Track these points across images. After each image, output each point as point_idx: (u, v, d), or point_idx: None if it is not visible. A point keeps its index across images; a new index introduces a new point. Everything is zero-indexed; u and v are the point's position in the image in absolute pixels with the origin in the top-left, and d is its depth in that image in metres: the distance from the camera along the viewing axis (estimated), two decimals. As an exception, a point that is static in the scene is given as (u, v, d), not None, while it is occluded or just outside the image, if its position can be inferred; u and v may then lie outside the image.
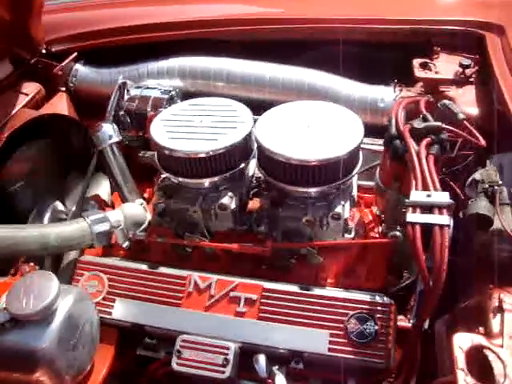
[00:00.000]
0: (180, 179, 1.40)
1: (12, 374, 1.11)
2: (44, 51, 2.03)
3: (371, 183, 1.55)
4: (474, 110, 1.56)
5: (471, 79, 1.67)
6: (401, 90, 1.77)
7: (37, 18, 1.88)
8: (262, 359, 1.20)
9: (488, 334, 1.00)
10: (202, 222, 1.42)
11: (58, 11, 2.22)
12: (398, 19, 1.91)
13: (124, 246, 1.48)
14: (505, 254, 1.16)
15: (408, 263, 1.38)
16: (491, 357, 0.94)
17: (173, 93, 1.82)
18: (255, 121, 1.43)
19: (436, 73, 1.69)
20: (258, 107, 1.54)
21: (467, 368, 0.91)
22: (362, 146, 1.39)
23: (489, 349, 0.95)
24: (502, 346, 0.96)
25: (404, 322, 1.33)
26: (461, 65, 1.67)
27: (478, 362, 0.95)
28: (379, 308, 1.24)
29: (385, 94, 1.78)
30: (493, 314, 1.03)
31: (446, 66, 1.72)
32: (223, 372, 1.20)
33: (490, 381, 0.91)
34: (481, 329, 1.03)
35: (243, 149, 1.41)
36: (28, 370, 1.10)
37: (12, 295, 1.10)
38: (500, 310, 1.03)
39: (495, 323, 1.01)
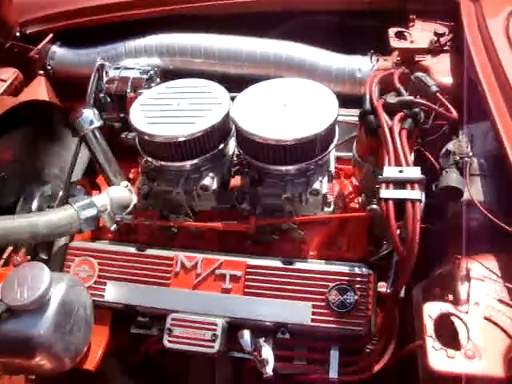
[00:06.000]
0: (161, 163, 1.43)
1: (14, 359, 1.19)
2: (18, 34, 1.99)
3: (350, 154, 1.58)
4: (448, 80, 1.56)
5: (446, 47, 1.66)
6: (377, 60, 1.78)
7: (7, -1, 1.83)
8: (246, 334, 1.27)
9: (456, 301, 1.07)
10: (185, 203, 1.45)
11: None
12: None
13: (112, 229, 1.52)
14: (474, 223, 1.22)
15: (386, 234, 1.43)
16: (457, 322, 1.01)
17: (151, 72, 1.81)
18: (232, 98, 1.45)
19: (411, 42, 1.68)
20: (238, 82, 1.54)
21: (435, 334, 0.98)
22: (341, 117, 1.42)
23: (455, 315, 1.01)
24: (467, 313, 1.02)
25: (385, 288, 1.40)
26: (435, 33, 1.65)
27: (447, 328, 1.02)
28: (358, 278, 1.31)
29: (362, 64, 1.79)
30: (461, 282, 1.10)
31: (421, 34, 1.70)
32: (212, 347, 1.28)
33: (456, 344, 0.98)
34: (450, 296, 1.10)
35: (222, 130, 1.43)
36: (28, 356, 1.17)
37: (6, 287, 1.15)
38: (467, 278, 1.09)
39: (463, 291, 1.08)
